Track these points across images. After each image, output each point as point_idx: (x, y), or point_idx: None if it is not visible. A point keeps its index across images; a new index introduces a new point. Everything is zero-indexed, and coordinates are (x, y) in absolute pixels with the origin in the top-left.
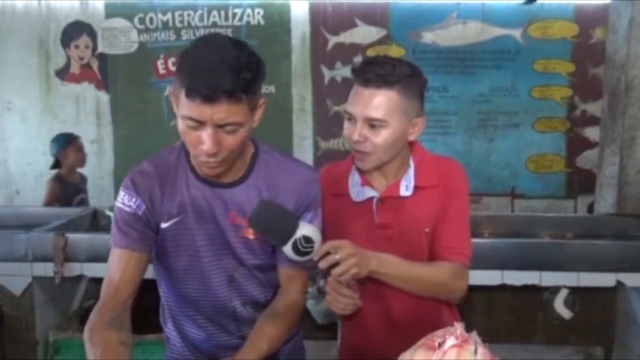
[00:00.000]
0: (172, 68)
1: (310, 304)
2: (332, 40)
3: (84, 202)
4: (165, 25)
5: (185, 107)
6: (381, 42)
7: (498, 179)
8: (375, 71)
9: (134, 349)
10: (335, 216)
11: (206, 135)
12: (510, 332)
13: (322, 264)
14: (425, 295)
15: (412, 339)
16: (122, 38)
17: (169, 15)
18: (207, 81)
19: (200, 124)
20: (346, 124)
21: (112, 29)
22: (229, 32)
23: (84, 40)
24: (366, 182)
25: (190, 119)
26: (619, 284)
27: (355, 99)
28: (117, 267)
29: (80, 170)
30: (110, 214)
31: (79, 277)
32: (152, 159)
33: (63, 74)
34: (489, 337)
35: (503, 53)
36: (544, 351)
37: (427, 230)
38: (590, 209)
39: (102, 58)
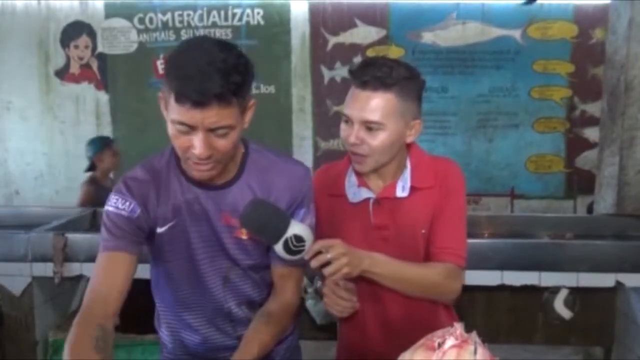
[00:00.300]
0: None
1: (309, 304)
2: (332, 40)
3: None
4: (165, 26)
5: (175, 112)
6: (381, 42)
7: (498, 179)
8: (372, 73)
9: (134, 349)
10: (332, 217)
11: (197, 139)
12: (509, 332)
13: (314, 263)
14: (418, 296)
15: (409, 339)
16: (122, 38)
17: (168, 15)
18: (196, 86)
19: (191, 128)
20: (343, 126)
21: (112, 29)
22: (229, 32)
23: (84, 40)
24: (363, 183)
25: (181, 123)
26: (619, 284)
27: (352, 101)
28: (107, 272)
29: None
30: None
31: (79, 277)
32: (144, 165)
33: (63, 74)
34: (489, 338)
35: (503, 53)
36: (544, 351)
37: (423, 231)
38: (590, 209)
39: (102, 58)
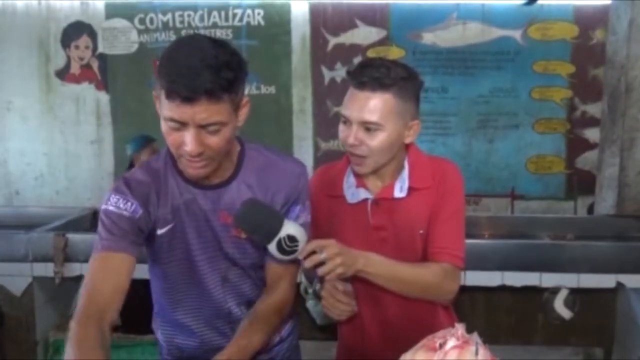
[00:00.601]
0: None
1: (310, 304)
2: (332, 41)
3: None
4: (166, 26)
5: (166, 108)
6: (381, 42)
7: (498, 180)
8: (370, 74)
9: (134, 349)
10: (330, 217)
11: (189, 136)
12: (510, 333)
13: (308, 263)
14: (414, 296)
15: (408, 340)
16: (122, 38)
17: (169, 16)
18: (186, 81)
19: (182, 124)
20: (341, 127)
21: (113, 29)
22: (229, 33)
23: (84, 40)
24: (361, 184)
25: (172, 120)
26: (619, 285)
27: (351, 102)
28: (107, 272)
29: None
30: None
31: (79, 278)
32: (142, 166)
33: (63, 74)
34: (489, 338)
35: (503, 54)
36: (544, 352)
37: (421, 231)
38: (590, 210)
39: (102, 58)
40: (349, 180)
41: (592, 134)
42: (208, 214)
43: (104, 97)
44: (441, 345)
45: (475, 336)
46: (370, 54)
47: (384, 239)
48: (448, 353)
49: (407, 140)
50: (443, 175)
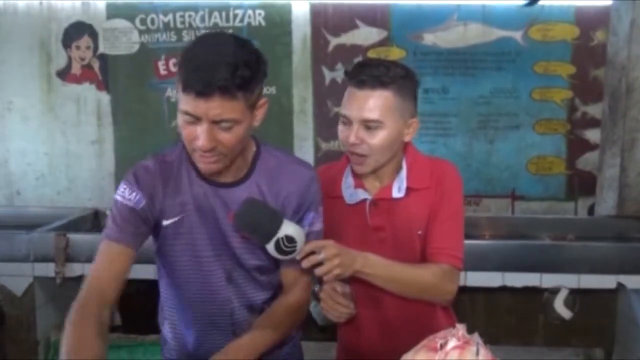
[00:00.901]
0: (173, 69)
1: (310, 305)
2: (333, 41)
3: None
4: (167, 26)
5: (182, 102)
6: (382, 43)
7: (498, 180)
8: (369, 72)
9: (136, 349)
10: (330, 218)
11: (201, 130)
12: (510, 333)
13: (305, 264)
14: (412, 297)
15: (407, 340)
16: (123, 39)
17: (170, 16)
18: (202, 76)
19: (196, 119)
20: (341, 127)
21: (114, 30)
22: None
23: (85, 40)
24: (359, 184)
25: (187, 113)
26: (620, 286)
27: (350, 101)
28: (106, 262)
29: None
30: None
31: (80, 278)
32: (157, 156)
33: (64, 74)
34: (490, 339)
35: (504, 55)
36: (545, 353)
37: (419, 232)
38: (591, 211)
39: (103, 59)
40: (348, 181)
41: (592, 135)
42: (217, 211)
43: (104, 98)
44: (442, 346)
45: (476, 336)
46: (371, 54)
47: (382, 239)
48: (449, 353)
49: (407, 139)
50: (442, 175)
